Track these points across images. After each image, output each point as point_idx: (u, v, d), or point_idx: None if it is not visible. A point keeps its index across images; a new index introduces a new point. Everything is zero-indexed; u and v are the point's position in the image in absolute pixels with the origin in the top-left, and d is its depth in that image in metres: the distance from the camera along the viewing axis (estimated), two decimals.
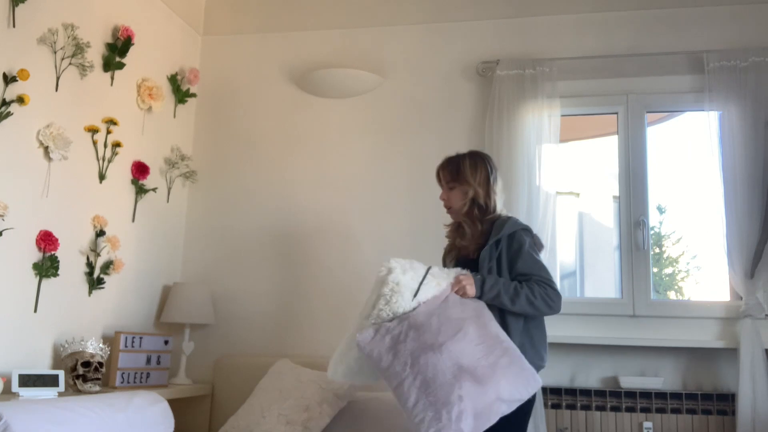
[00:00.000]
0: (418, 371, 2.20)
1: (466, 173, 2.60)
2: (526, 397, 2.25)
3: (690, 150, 3.85)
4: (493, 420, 2.16)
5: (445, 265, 2.76)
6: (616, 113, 3.58)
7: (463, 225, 2.61)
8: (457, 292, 2.42)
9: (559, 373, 3.34)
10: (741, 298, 3.22)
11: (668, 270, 4.99)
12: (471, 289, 2.42)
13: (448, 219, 3.57)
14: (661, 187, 3.82)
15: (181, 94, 3.76)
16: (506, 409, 2.20)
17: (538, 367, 2.42)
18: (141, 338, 3.21)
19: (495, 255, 2.49)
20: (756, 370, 3.07)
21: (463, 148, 3.61)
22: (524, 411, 2.36)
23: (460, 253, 2.65)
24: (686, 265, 4.92)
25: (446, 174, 2.66)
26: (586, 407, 3.24)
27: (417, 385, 2.18)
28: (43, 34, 2.79)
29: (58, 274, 2.84)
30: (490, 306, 2.42)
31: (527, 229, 2.57)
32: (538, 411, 3.14)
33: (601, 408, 3.23)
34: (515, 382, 2.21)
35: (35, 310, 2.77)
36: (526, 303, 2.40)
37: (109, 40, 3.21)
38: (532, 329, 2.48)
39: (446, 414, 2.10)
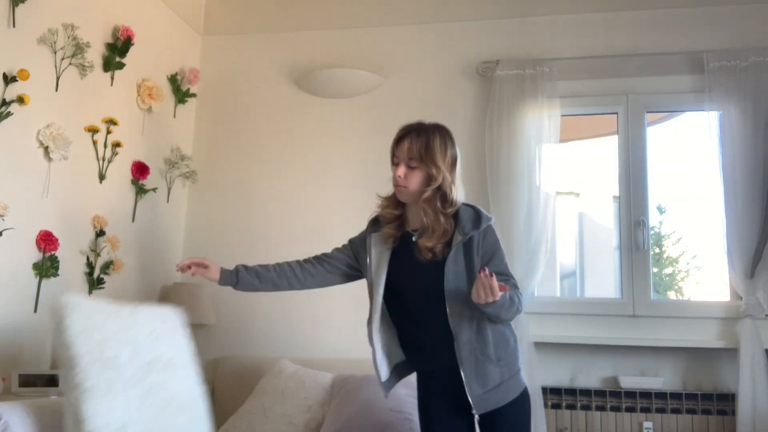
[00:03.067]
0: None
1: (436, 153, 2.18)
2: None
3: (690, 150, 3.86)
4: None
5: (366, 249, 2.38)
6: (616, 113, 3.58)
7: (410, 210, 2.26)
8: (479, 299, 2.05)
9: (559, 373, 3.34)
10: (741, 298, 3.22)
11: (668, 270, 5.00)
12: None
13: None
14: (661, 187, 3.82)
15: (181, 94, 3.76)
16: None
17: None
18: None
19: (463, 255, 2.19)
20: (756, 370, 3.07)
21: (463, 148, 3.60)
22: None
23: (399, 250, 2.27)
24: (686, 265, 4.93)
25: (411, 148, 2.20)
26: (586, 407, 3.24)
27: None
28: (43, 34, 2.79)
29: (58, 274, 2.84)
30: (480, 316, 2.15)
31: (492, 219, 2.26)
32: (538, 411, 3.14)
33: (601, 408, 3.23)
34: None
35: (35, 310, 2.77)
36: (514, 312, 2.17)
37: (109, 40, 3.21)
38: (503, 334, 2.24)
39: None
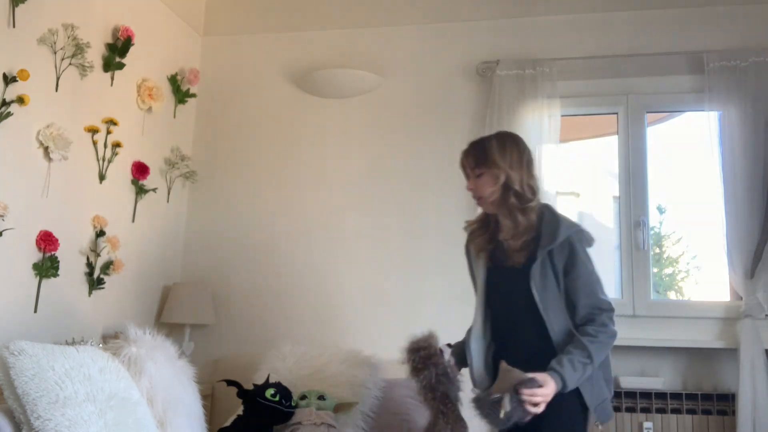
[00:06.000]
0: None
1: (494, 154, 2.20)
2: None
3: (690, 150, 3.85)
4: None
5: (473, 271, 2.38)
6: (616, 113, 3.58)
7: (498, 218, 2.23)
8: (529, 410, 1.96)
9: None
10: (741, 298, 3.22)
11: (668, 270, 4.99)
12: (550, 395, 1.98)
13: (449, 218, 3.53)
14: (661, 187, 3.81)
15: (181, 94, 3.76)
16: None
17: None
18: None
19: (549, 269, 2.13)
20: (756, 370, 3.07)
21: (463, 148, 3.63)
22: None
23: (496, 259, 2.25)
24: (686, 265, 4.92)
25: (470, 159, 2.25)
26: None
27: None
28: (43, 34, 2.79)
29: (58, 274, 2.84)
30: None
31: (581, 231, 2.18)
32: None
33: None
34: None
35: (35, 310, 2.77)
36: (594, 364, 2.06)
37: (109, 40, 3.21)
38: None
39: None
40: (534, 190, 2.20)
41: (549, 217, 2.19)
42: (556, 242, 2.11)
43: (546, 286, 2.12)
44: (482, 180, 2.21)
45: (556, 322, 2.11)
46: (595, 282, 2.15)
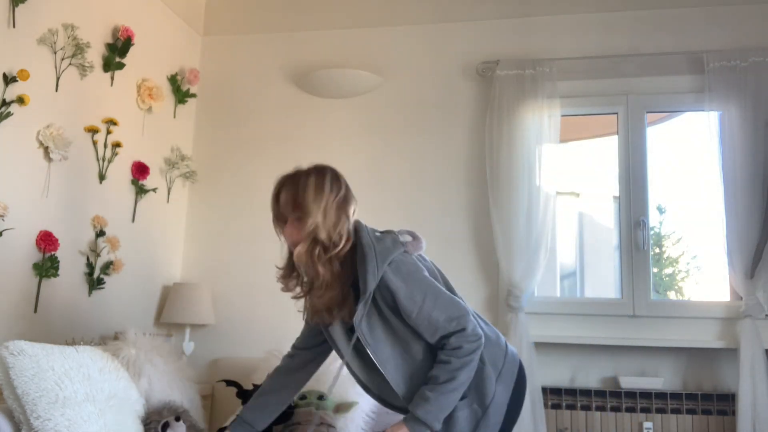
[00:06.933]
0: None
1: (308, 198, 1.90)
2: None
3: (690, 150, 3.86)
4: None
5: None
6: (616, 113, 3.58)
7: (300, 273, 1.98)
8: None
9: (559, 373, 3.33)
10: (741, 298, 3.22)
11: (668, 270, 4.99)
12: None
13: (449, 218, 3.53)
14: (661, 187, 3.82)
15: (181, 94, 3.77)
16: None
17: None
18: None
19: (377, 318, 1.91)
20: (756, 370, 3.07)
21: (463, 148, 3.63)
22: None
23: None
24: (686, 265, 4.93)
25: (285, 201, 1.93)
26: (586, 407, 3.24)
27: None
28: (43, 34, 2.79)
29: (58, 275, 2.84)
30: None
31: (394, 261, 1.89)
32: (538, 411, 3.14)
33: (601, 408, 3.23)
34: None
35: (35, 310, 2.77)
36: (460, 389, 1.84)
37: (109, 40, 3.21)
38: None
39: None
40: (342, 235, 1.92)
41: (360, 257, 1.91)
42: (369, 293, 1.86)
43: (376, 338, 1.92)
44: (288, 227, 1.94)
45: (404, 374, 1.92)
46: (431, 310, 1.86)
